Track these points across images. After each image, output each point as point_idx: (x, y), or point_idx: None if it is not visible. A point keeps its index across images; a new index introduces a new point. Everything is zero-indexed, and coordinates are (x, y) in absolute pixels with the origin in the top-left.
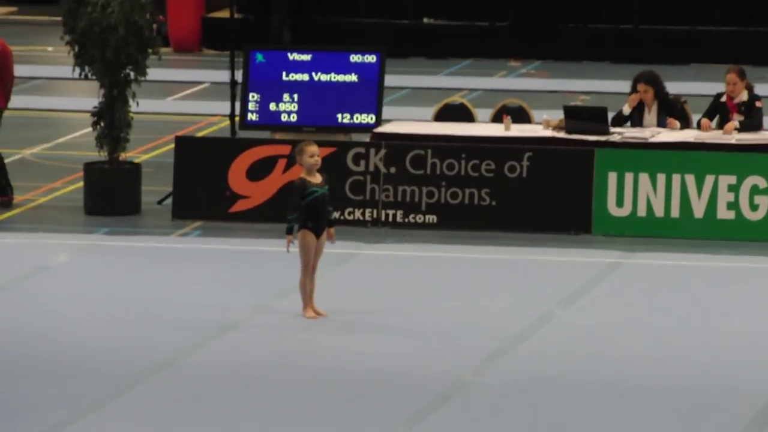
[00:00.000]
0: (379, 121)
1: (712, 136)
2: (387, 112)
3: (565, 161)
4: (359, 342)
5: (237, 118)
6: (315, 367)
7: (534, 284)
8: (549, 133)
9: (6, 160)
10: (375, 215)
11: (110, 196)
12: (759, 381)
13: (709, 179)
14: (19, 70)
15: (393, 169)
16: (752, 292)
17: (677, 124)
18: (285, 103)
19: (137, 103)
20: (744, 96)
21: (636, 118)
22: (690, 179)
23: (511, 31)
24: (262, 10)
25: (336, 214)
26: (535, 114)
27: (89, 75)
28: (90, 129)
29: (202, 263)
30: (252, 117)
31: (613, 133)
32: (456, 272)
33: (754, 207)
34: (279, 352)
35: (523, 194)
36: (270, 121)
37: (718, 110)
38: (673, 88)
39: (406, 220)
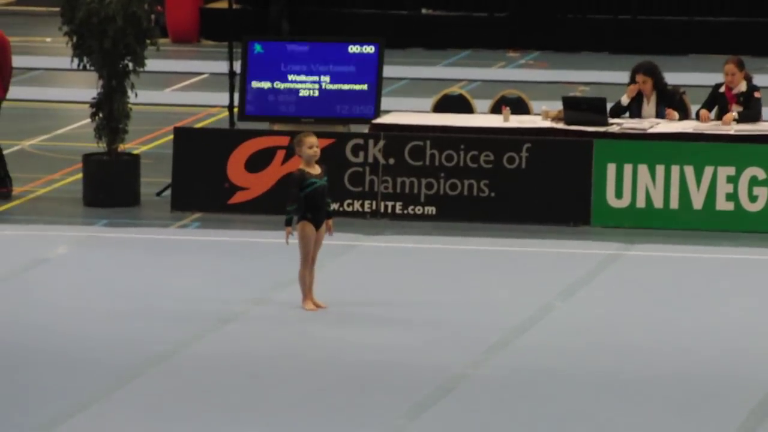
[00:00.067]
0: (377, 112)
1: (711, 127)
2: (386, 103)
3: (564, 152)
4: (359, 334)
5: (236, 109)
6: (314, 358)
7: (533, 276)
8: (548, 124)
9: (5, 152)
10: (374, 207)
11: (109, 187)
12: (758, 372)
13: (708, 170)
14: (17, 60)
15: (392, 161)
16: (751, 283)
17: (676, 115)
18: (283, 94)
19: (136, 94)
20: (743, 87)
21: (635, 109)
22: (689, 170)
23: (509, 22)
24: (261, 1)
25: (335, 206)
26: (533, 105)
27: (87, 66)
28: (89, 120)
29: (201, 255)
30: (250, 108)
31: (612, 124)
32: (455, 264)
33: (753, 198)
34: (278, 344)
35: (522, 185)
36: (269, 112)
37: (717, 101)
38: (671, 78)
39: (405, 211)
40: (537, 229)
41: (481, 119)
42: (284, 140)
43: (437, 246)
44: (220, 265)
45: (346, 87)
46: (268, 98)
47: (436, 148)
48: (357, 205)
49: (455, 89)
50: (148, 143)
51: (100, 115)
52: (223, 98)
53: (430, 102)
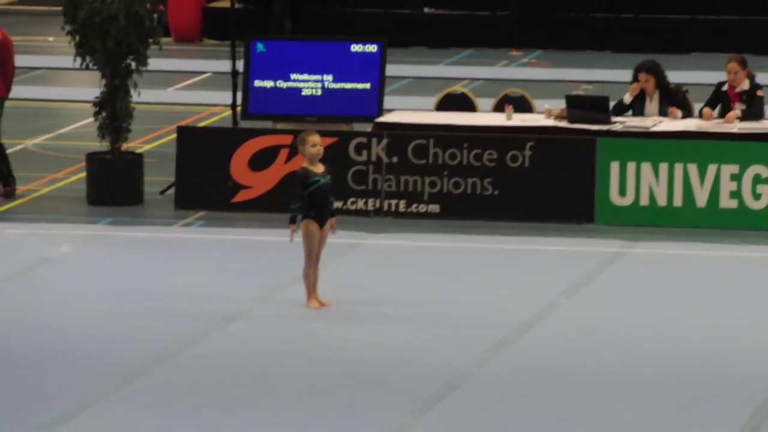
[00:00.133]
0: (380, 111)
1: (714, 125)
2: (388, 101)
3: (567, 151)
4: (363, 332)
5: (238, 108)
6: (318, 357)
7: (537, 274)
8: (551, 122)
9: (8, 151)
10: (377, 205)
11: (112, 186)
12: (762, 370)
13: (712, 168)
14: (20, 60)
15: (395, 159)
16: (755, 281)
17: (679, 113)
18: (286, 92)
19: (139, 93)
20: (745, 85)
21: (637, 108)
22: (692, 168)
23: (512, 21)
24: (263, 0)
25: (338, 204)
26: (536, 103)
27: (90, 65)
28: (92, 119)
29: (204, 253)
30: (253, 107)
31: (614, 122)
32: (459, 262)
33: (756, 196)
34: (283, 342)
35: (526, 184)
36: (271, 111)
37: (720, 99)
38: (674, 77)
39: (409, 209)
40: (540, 227)
41: (484, 118)
42: (287, 139)
43: (441, 244)
44: (223, 263)
45: (348, 86)
46: (270, 97)
47: (440, 147)
48: (360, 204)
49: (458, 88)
50: (151, 142)
51: (103, 114)
52: (225, 97)
53: (432, 101)
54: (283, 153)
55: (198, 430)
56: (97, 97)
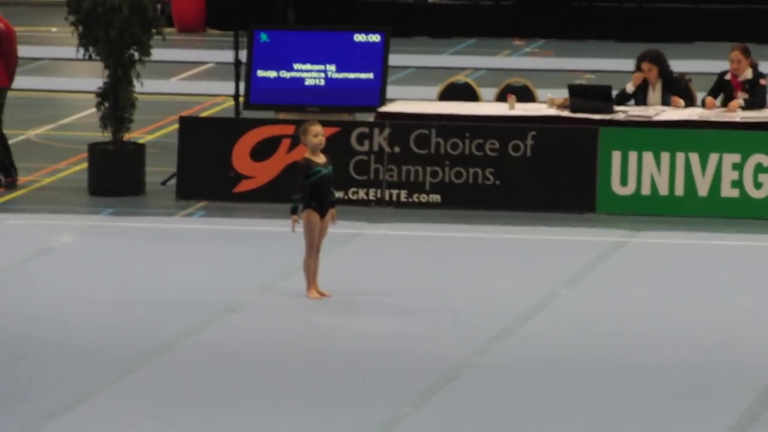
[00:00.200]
0: (383, 101)
1: (717, 114)
2: (391, 91)
3: (570, 140)
4: (363, 322)
5: (241, 98)
6: (319, 347)
7: (538, 264)
8: (553, 111)
9: (10, 141)
10: (379, 195)
11: (114, 176)
12: (763, 359)
13: (713, 157)
14: (22, 50)
15: (397, 149)
16: (756, 271)
17: (681, 102)
18: (289, 82)
19: (141, 84)
20: (748, 74)
21: (640, 97)
22: (694, 157)
23: (515, 10)
24: None
25: (340, 194)
26: (539, 93)
27: (93, 55)
28: (94, 110)
29: (206, 244)
30: (256, 97)
31: (617, 111)
32: (460, 252)
33: (758, 185)
34: (283, 332)
35: (528, 173)
36: (274, 101)
37: (723, 88)
38: (677, 66)
39: (410, 199)
40: (542, 217)
41: (487, 107)
42: (289, 129)
43: (442, 234)
44: (225, 253)
45: (351, 76)
46: (273, 87)
47: (442, 137)
48: (362, 194)
49: (461, 77)
50: (153, 132)
51: (106, 104)
52: (228, 87)
53: (435, 90)
54: (285, 143)
55: (198, 420)
56: (99, 88)
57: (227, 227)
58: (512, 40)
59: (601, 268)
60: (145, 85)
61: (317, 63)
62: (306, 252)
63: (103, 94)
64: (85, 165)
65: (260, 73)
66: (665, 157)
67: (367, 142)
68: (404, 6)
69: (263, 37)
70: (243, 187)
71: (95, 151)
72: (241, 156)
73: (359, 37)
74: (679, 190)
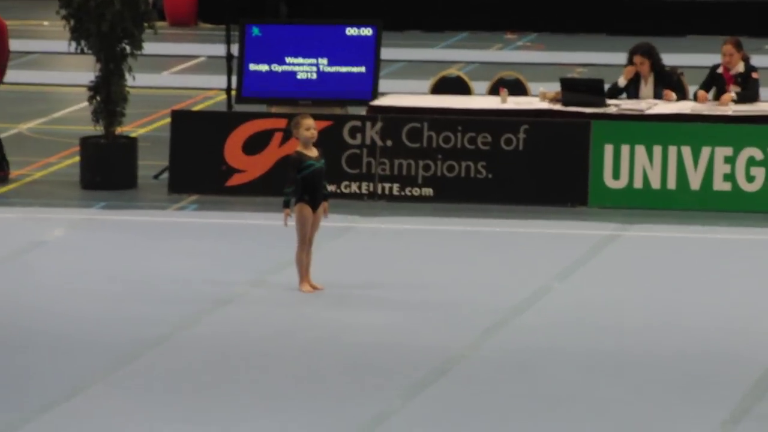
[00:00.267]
0: (375, 95)
1: (709, 107)
2: (383, 85)
3: (562, 133)
4: (355, 315)
5: (233, 92)
6: (312, 340)
7: (530, 257)
8: (545, 105)
9: (2, 135)
10: (371, 188)
11: (106, 170)
12: (756, 351)
13: (706, 151)
14: (14, 44)
15: (389, 143)
16: (748, 264)
17: (673, 95)
18: (281, 76)
19: (133, 77)
20: (740, 67)
21: (632, 90)
22: (686, 151)
23: (507, 4)
24: None
25: (332, 188)
26: (531, 86)
27: (85, 49)
28: (86, 103)
29: (198, 237)
30: (248, 91)
31: (609, 105)
32: (452, 245)
33: (750, 178)
34: (275, 325)
35: (520, 167)
36: (266, 94)
37: (715, 82)
38: (669, 59)
39: (403, 193)
40: (534, 210)
41: (479, 101)
42: (282, 123)
43: (434, 227)
44: (217, 247)
45: (343, 69)
46: (265, 81)
47: (434, 130)
48: (354, 187)
49: (453, 71)
50: (145, 126)
51: (98, 98)
52: (220, 81)
53: (427, 84)
54: (277, 137)
55: (191, 413)
56: (91, 82)
57: (219, 221)
58: (504, 33)
59: (593, 261)
60: (137, 79)
61: (309, 57)
62: (298, 245)
63: (95, 88)
64: (77, 159)
65: (252, 67)
66: (657, 150)
67: (359, 136)
68: (396, 0)
69: (255, 30)
70: (235, 180)
71: (87, 144)
72: (233, 150)
73: (351, 31)
74: (672, 184)
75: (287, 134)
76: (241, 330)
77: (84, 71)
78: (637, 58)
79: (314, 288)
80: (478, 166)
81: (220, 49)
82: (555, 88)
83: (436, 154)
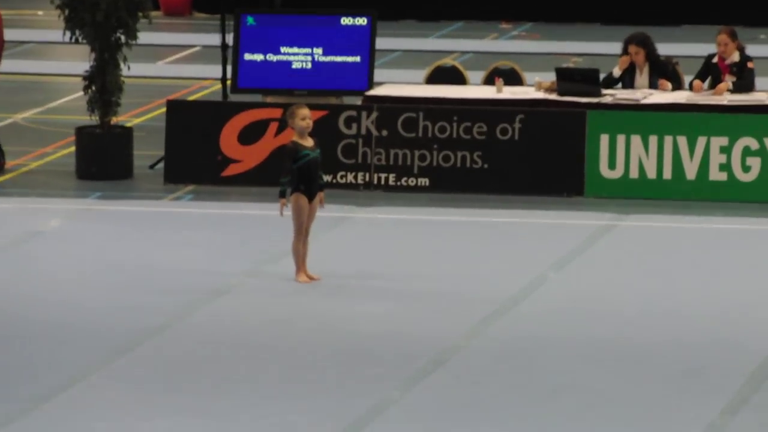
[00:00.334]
0: (370, 84)
1: (704, 97)
2: (378, 75)
3: (557, 123)
4: (352, 305)
5: (228, 82)
6: (308, 330)
7: (526, 247)
8: (541, 95)
9: None
10: (367, 178)
11: (102, 160)
12: (753, 341)
13: (701, 141)
14: (9, 34)
15: (385, 132)
16: (744, 253)
17: (669, 85)
18: (276, 66)
19: (128, 67)
20: (736, 57)
21: (627, 80)
22: (682, 141)
23: None
24: None
25: (328, 178)
26: (527, 76)
27: (80, 39)
28: (81, 93)
29: (194, 227)
30: (243, 80)
31: (605, 95)
32: (448, 235)
33: (746, 168)
34: (272, 316)
35: (515, 157)
36: (261, 84)
37: (710, 71)
38: (664, 49)
39: (399, 183)
40: (530, 200)
41: (474, 91)
42: (277, 112)
43: (430, 218)
44: (213, 237)
45: (338, 59)
46: (260, 71)
47: (429, 120)
48: (350, 177)
49: (448, 61)
50: (140, 116)
51: (93, 88)
52: (215, 71)
53: (422, 74)
54: (273, 127)
55: (187, 403)
56: (86, 71)
57: (215, 211)
58: (499, 23)
59: (589, 251)
60: (132, 69)
61: (304, 46)
62: (294, 236)
63: (90, 78)
64: (72, 149)
65: (247, 57)
66: (653, 140)
67: (354, 126)
68: None
69: (250, 20)
70: (231, 170)
71: (83, 134)
72: (228, 139)
73: (346, 21)
74: (667, 174)
75: (283, 124)
76: (237, 320)
77: (79, 61)
78: (632, 48)
79: (311, 278)
80: (473, 156)
81: (215, 39)
82: (550, 77)
83: (431, 144)
